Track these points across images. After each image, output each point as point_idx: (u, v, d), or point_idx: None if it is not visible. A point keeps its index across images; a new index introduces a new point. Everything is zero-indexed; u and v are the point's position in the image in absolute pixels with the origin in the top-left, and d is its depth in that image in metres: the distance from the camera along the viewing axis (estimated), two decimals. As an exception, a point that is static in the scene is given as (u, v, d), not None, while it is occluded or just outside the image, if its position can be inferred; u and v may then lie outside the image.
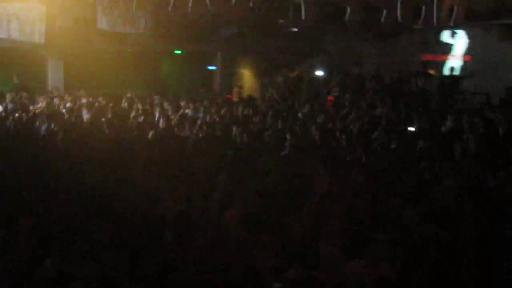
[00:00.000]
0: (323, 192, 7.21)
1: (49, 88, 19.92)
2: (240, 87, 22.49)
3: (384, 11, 14.12)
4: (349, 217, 6.62)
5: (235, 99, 20.79)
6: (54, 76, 20.83)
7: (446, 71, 20.23)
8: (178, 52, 22.38)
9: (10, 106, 15.57)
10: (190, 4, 15.30)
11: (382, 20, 14.18)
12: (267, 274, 5.49)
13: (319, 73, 22.60)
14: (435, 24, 14.66)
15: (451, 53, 21.11)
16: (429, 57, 20.78)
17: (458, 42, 20.93)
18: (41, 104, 16.30)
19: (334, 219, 6.52)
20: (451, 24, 14.71)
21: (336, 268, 5.65)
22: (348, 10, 14.31)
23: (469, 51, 20.68)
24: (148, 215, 6.41)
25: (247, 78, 23.67)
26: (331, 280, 5.41)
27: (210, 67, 23.70)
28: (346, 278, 5.53)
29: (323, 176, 7.75)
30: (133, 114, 14.37)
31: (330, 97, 19.79)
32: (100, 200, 6.92)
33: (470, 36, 20.42)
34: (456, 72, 19.86)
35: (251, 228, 6.20)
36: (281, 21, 20.49)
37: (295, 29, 20.98)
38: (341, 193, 7.28)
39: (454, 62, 20.75)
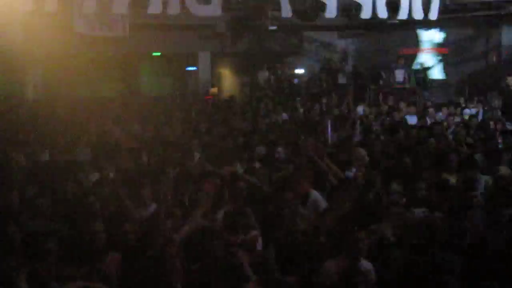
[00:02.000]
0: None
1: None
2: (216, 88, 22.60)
3: (362, 7, 14.12)
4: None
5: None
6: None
7: (417, 65, 20.76)
8: (157, 54, 22.30)
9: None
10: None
11: (360, 16, 14.18)
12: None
13: (299, 71, 22.66)
14: (412, 19, 14.76)
15: (428, 46, 21.42)
16: (406, 51, 20.98)
17: (434, 36, 21.24)
18: None
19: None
20: (428, 18, 14.81)
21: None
22: (327, 7, 14.25)
23: (445, 45, 21.07)
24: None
25: (227, 78, 23.65)
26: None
27: (189, 68, 23.62)
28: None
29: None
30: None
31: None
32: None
33: (446, 30, 20.79)
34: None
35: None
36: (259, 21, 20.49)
37: (273, 27, 20.97)
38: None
39: (427, 56, 21.22)
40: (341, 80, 20.73)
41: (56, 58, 19.37)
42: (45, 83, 20.40)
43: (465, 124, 13.33)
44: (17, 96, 18.82)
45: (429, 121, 14.45)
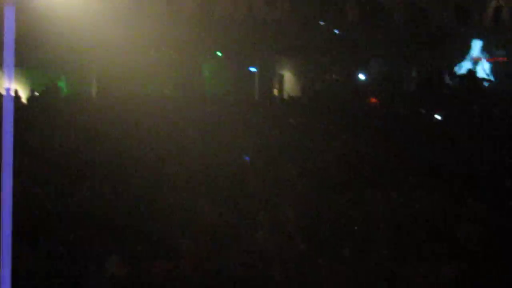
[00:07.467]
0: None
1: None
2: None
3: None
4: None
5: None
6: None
7: None
8: (219, 54, 22.21)
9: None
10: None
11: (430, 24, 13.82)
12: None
13: (361, 76, 22.16)
14: None
15: None
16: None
17: None
18: None
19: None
20: None
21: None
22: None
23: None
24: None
25: (288, 79, 23.46)
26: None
27: (251, 69, 23.49)
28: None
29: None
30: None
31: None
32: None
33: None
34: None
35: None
36: (322, 22, 20.25)
37: (336, 31, 20.65)
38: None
39: None
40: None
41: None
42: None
43: None
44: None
45: None
